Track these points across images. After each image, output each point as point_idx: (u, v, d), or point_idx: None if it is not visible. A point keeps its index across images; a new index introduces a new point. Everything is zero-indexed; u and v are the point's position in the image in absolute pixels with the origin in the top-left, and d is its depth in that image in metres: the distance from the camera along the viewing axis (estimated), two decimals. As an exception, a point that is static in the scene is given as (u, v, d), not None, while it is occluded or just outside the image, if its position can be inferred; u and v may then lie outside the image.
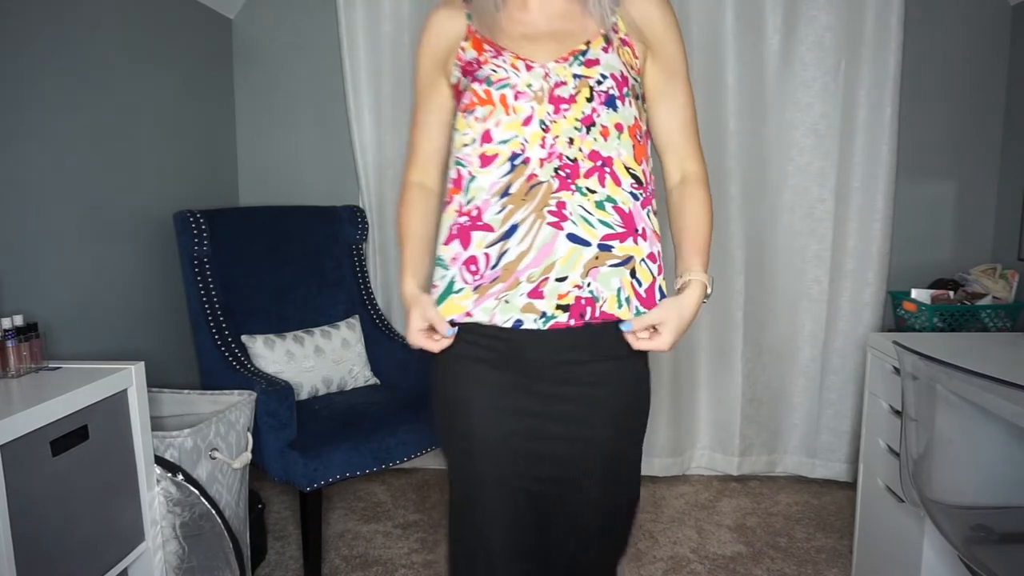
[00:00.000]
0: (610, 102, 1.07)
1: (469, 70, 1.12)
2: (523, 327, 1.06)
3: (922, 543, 1.67)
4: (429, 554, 2.24)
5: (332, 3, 2.65)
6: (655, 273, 1.10)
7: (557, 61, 1.08)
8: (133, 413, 1.51)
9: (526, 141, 1.06)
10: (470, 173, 1.09)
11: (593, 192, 1.06)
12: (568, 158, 1.05)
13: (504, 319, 1.07)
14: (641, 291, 1.08)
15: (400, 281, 1.19)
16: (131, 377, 1.49)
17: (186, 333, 2.43)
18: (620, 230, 1.06)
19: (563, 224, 1.04)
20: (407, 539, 2.33)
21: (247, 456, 1.85)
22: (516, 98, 1.07)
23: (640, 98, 1.15)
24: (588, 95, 1.07)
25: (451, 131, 1.20)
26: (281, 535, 2.37)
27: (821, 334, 2.67)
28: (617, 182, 1.07)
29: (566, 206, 1.05)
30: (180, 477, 1.60)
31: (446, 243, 1.12)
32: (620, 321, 1.07)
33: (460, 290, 1.09)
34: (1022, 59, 2.47)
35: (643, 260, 1.08)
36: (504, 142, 1.07)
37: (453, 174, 1.13)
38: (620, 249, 1.06)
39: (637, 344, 1.08)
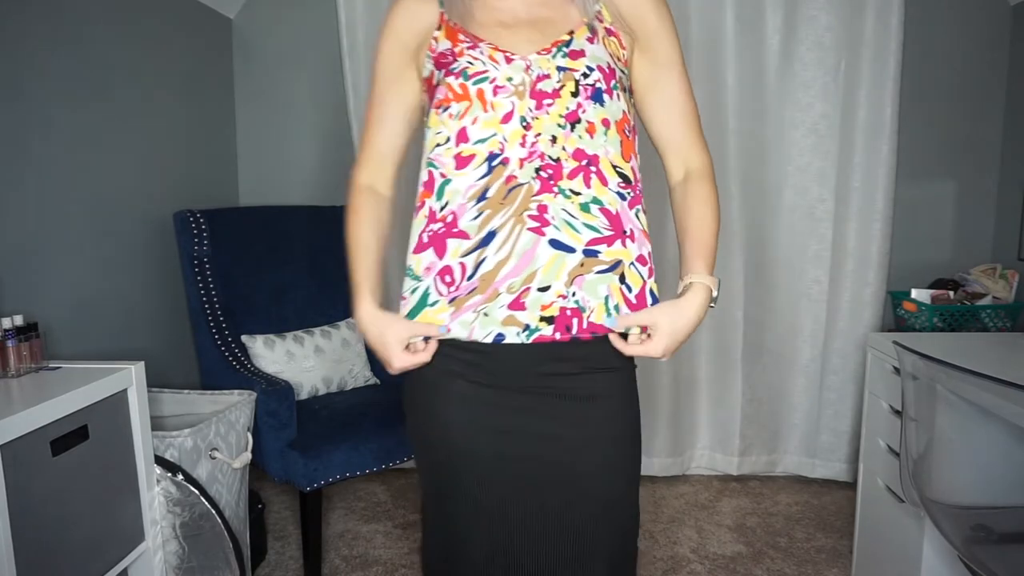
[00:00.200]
0: (597, 96, 1.00)
1: (443, 62, 1.02)
2: (505, 341, 0.98)
3: (922, 543, 1.67)
4: (429, 554, 2.24)
5: (332, 3, 2.65)
6: (645, 276, 1.02)
7: (539, 53, 1.00)
8: (133, 413, 1.51)
9: (505, 140, 0.98)
10: (443, 175, 1.01)
11: (577, 194, 0.98)
12: (551, 158, 0.98)
13: (484, 334, 0.98)
14: (631, 297, 1.01)
15: (354, 304, 1.07)
16: (131, 377, 1.49)
17: (186, 333, 2.43)
18: (607, 233, 0.99)
19: (545, 229, 0.97)
20: (407, 539, 2.33)
21: (247, 456, 1.85)
22: (495, 93, 0.99)
23: (628, 91, 1.07)
24: (573, 89, 0.99)
25: (413, 129, 1.12)
26: (281, 535, 2.37)
27: (821, 334, 2.66)
28: (604, 182, 1.00)
29: (548, 210, 0.97)
30: (180, 477, 1.60)
31: (416, 251, 1.03)
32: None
33: (435, 303, 1.00)
34: (1022, 59, 2.47)
35: (632, 264, 1.01)
36: (481, 141, 0.99)
37: (424, 176, 1.04)
38: (607, 254, 0.99)
39: (627, 349, 1.01)
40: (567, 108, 0.99)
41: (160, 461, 1.59)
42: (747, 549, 2.27)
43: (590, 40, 1.01)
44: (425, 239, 1.02)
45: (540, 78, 0.99)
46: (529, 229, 0.97)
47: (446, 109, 1.01)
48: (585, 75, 0.99)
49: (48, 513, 1.27)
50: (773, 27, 2.52)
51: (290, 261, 2.48)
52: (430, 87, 1.06)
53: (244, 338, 2.26)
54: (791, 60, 2.55)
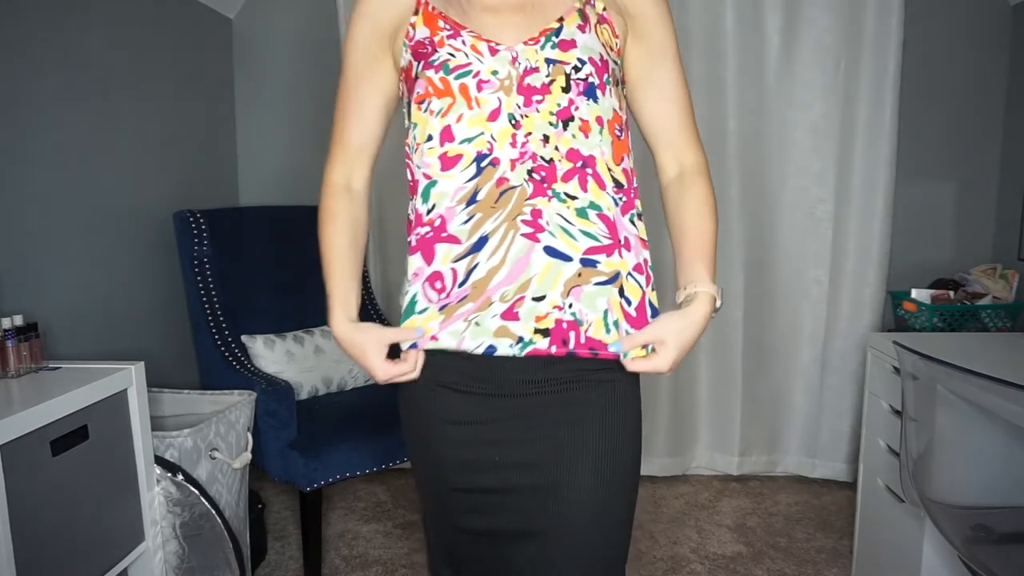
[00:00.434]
0: (590, 92, 0.93)
1: (421, 53, 0.95)
2: (496, 353, 0.92)
3: (922, 543, 1.67)
4: (429, 554, 2.24)
5: (332, 3, 2.65)
6: (643, 285, 0.96)
7: (526, 43, 0.93)
8: (133, 413, 1.51)
9: (493, 139, 0.91)
10: (427, 176, 0.94)
11: (573, 198, 0.91)
12: (543, 159, 0.91)
13: (475, 344, 0.92)
14: (631, 310, 0.94)
15: (328, 316, 0.99)
16: (131, 377, 1.49)
17: (186, 333, 2.43)
18: (606, 242, 0.92)
19: (539, 235, 0.90)
20: (407, 539, 2.33)
21: (247, 456, 1.85)
22: (479, 88, 0.91)
23: (620, 83, 1.00)
24: (564, 84, 0.92)
25: (390, 119, 1.06)
26: (281, 535, 2.37)
27: (821, 334, 2.66)
28: (601, 185, 0.93)
29: (542, 214, 0.91)
30: (180, 477, 1.60)
31: (410, 254, 0.97)
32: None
33: (424, 310, 0.94)
34: (1022, 59, 2.47)
35: (630, 274, 0.94)
36: (468, 140, 0.92)
37: (407, 176, 0.98)
38: (607, 264, 0.92)
39: (632, 366, 0.95)
40: (558, 105, 0.92)
41: (160, 461, 1.59)
42: (747, 549, 2.27)
43: (581, 28, 0.94)
44: (413, 242, 0.96)
45: (528, 72, 0.92)
46: (523, 235, 0.91)
47: (427, 105, 0.94)
48: (576, 68, 0.93)
49: (48, 513, 1.27)
50: (773, 27, 2.52)
51: (290, 261, 2.48)
52: (409, 79, 0.98)
53: (244, 338, 2.26)
54: (791, 60, 2.54)
